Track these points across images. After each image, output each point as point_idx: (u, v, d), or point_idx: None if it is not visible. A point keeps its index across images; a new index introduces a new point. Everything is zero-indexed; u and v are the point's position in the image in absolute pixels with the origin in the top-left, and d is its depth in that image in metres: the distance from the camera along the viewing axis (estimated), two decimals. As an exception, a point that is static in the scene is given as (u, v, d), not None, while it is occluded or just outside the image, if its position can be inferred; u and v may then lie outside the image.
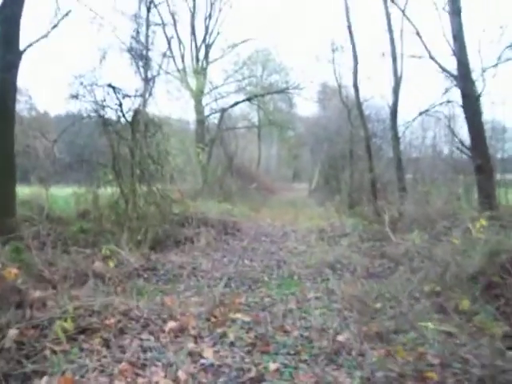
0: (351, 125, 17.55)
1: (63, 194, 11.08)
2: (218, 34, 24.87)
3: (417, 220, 10.01)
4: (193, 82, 23.39)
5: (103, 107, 9.23)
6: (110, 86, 9.22)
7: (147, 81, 9.55)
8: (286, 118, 31.80)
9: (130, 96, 9.38)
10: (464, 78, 9.94)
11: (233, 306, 5.20)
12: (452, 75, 11.00)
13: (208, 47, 24.92)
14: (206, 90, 24.55)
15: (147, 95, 9.63)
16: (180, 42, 23.82)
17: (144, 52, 9.58)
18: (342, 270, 7.38)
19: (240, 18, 41.76)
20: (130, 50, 9.88)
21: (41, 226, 8.92)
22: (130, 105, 9.41)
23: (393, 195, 13.35)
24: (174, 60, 23.14)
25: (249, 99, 26.60)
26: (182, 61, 23.82)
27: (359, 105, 14.36)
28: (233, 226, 12.32)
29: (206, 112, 24.92)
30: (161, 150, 9.81)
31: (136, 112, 9.32)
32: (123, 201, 8.82)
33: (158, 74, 10.27)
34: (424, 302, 5.19)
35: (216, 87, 25.45)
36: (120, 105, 9.26)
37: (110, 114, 9.30)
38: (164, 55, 10.09)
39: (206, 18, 24.73)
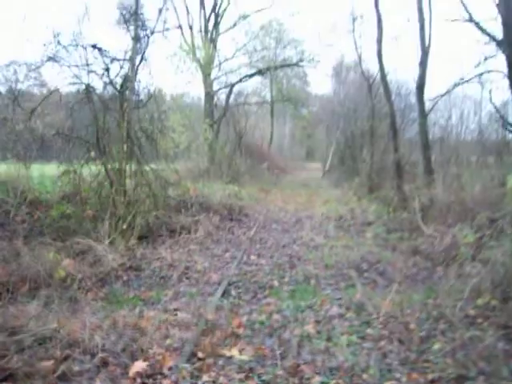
0: (373, 98, 15.88)
1: (50, 173, 9.75)
2: (229, 3, 23.11)
3: (451, 208, 8.57)
4: (200, 53, 21.80)
5: (88, 72, 7.81)
6: (94, 47, 7.78)
7: (138, 40, 8.06)
8: (300, 94, 30.10)
9: (118, 60, 7.93)
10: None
11: (229, 331, 3.85)
12: (496, 40, 9.38)
13: (218, 17, 23.21)
14: (215, 63, 22.92)
15: (138, 59, 8.12)
16: (188, 11, 22.19)
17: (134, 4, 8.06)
18: (370, 271, 6.00)
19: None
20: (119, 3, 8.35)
21: (13, 211, 7.72)
22: (118, 70, 7.97)
23: (418, 179, 11.84)
24: (181, 29, 21.56)
25: (261, 72, 24.82)
26: (190, 30, 22.20)
27: (383, 75, 12.67)
28: (239, 211, 10.95)
29: (215, 87, 23.39)
30: (156, 124, 8.42)
31: (125, 78, 7.89)
32: (108, 182, 7.45)
33: (152, 32, 8.66)
34: (483, 325, 3.84)
35: (226, 60, 23.76)
36: (107, 70, 7.85)
37: (95, 81, 7.90)
38: (160, 12, 8.59)
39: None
